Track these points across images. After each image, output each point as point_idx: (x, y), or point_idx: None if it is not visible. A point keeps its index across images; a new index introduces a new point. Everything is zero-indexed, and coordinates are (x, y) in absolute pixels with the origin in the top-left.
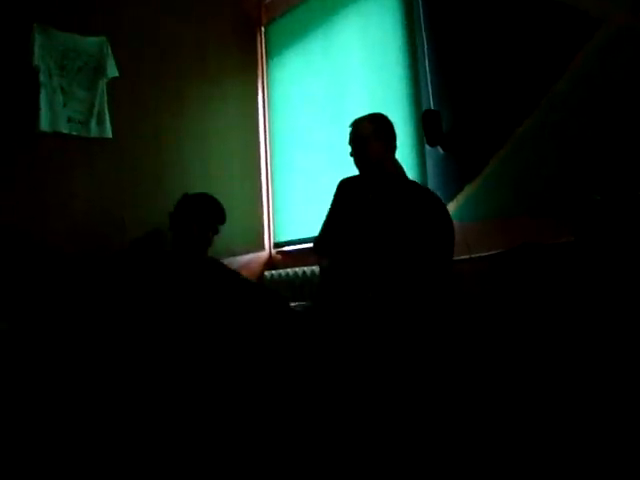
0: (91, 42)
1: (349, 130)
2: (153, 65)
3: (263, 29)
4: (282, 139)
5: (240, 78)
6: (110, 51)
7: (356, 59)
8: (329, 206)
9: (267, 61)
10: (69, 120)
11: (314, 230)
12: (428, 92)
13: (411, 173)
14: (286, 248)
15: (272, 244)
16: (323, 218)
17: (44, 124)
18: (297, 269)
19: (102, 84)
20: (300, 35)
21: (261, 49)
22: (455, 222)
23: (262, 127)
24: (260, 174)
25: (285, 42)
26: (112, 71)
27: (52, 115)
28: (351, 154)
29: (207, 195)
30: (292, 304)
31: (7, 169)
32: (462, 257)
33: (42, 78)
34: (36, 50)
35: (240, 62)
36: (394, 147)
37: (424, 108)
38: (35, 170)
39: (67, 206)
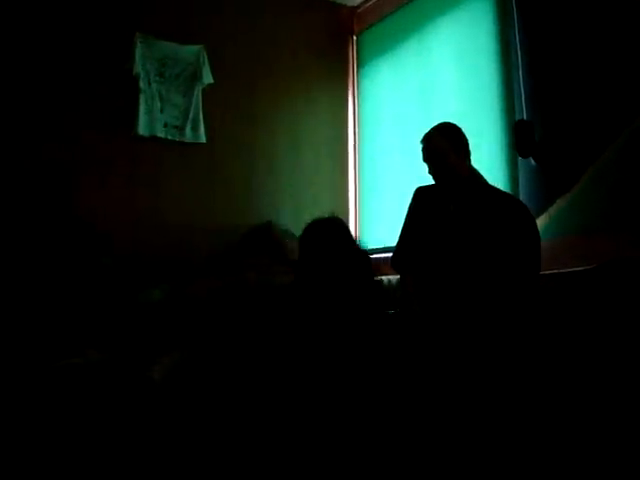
0: (189, 50)
1: (421, 146)
2: (247, 72)
3: (355, 38)
4: (371, 148)
5: (331, 86)
6: (206, 59)
7: (448, 68)
8: (405, 216)
9: (358, 69)
10: (165, 125)
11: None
12: (521, 102)
13: (502, 185)
14: (373, 256)
15: None
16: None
17: (142, 129)
18: (383, 277)
19: (198, 91)
20: (392, 44)
21: (352, 57)
22: (545, 237)
23: (352, 136)
24: (348, 182)
25: (376, 51)
26: (208, 78)
27: (150, 120)
28: (429, 172)
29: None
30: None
31: (106, 171)
32: (550, 272)
33: (141, 85)
34: (137, 58)
35: (332, 70)
36: (468, 153)
37: (517, 118)
38: (132, 173)
39: (160, 208)
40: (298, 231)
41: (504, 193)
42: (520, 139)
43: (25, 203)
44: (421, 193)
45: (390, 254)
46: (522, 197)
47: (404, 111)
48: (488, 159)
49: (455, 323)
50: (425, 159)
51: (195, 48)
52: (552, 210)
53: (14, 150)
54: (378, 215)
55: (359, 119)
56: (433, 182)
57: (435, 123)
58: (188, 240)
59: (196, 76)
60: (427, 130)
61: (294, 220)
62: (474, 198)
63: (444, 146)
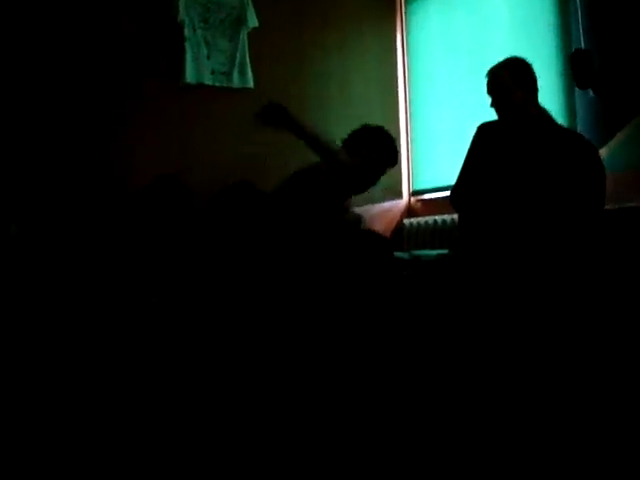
0: None
1: (486, 80)
2: (292, 13)
3: None
4: (422, 84)
5: (379, 22)
6: (250, 1)
7: None
8: (467, 152)
9: (406, 4)
10: (213, 72)
11: (454, 177)
12: (579, 30)
13: (559, 118)
14: (425, 196)
15: (411, 192)
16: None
17: (189, 77)
18: (437, 217)
19: (243, 35)
20: None
21: None
22: (606, 171)
23: (401, 72)
24: (399, 120)
25: None
26: (252, 21)
27: (197, 67)
28: (492, 105)
29: (386, 131)
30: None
31: (156, 121)
32: (612, 207)
33: (187, 32)
34: (181, 5)
35: (379, 6)
36: (536, 90)
37: (574, 47)
38: (181, 121)
39: (212, 155)
40: None
41: (571, 131)
42: (578, 69)
43: (74, 153)
44: (485, 129)
45: (441, 194)
46: (580, 130)
47: (455, 44)
48: (544, 91)
49: (513, 262)
50: (489, 92)
51: None
52: (612, 144)
53: (65, 101)
54: (429, 155)
55: (408, 54)
56: (495, 118)
57: (486, 54)
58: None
59: (241, 20)
60: (491, 64)
61: None
62: (539, 133)
63: (507, 80)
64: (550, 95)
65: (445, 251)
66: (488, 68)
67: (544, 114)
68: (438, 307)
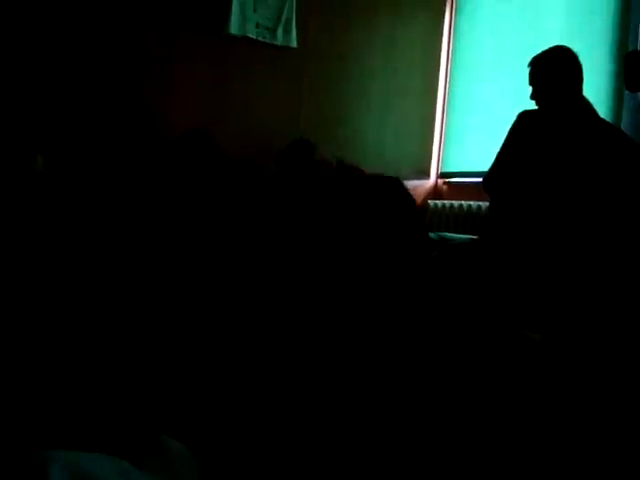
0: None
1: (528, 70)
2: None
3: None
4: (465, 66)
5: (429, 3)
6: None
7: None
8: (505, 139)
9: None
10: (257, 26)
11: (484, 165)
12: (637, 31)
13: (603, 117)
14: (453, 179)
15: (439, 173)
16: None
17: (234, 28)
18: (463, 202)
19: None
20: None
21: None
22: None
23: (445, 50)
24: (437, 100)
25: None
26: None
27: (242, 19)
28: (532, 97)
29: None
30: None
31: (193, 68)
32: None
33: None
34: None
35: None
36: (580, 82)
37: (630, 49)
38: (219, 72)
39: (247, 109)
40: (380, 148)
41: (613, 127)
42: (630, 71)
43: (112, 92)
44: (525, 117)
45: (468, 179)
46: None
47: (504, 33)
48: (591, 87)
49: (542, 255)
50: (530, 82)
51: None
52: None
53: (107, 47)
54: (462, 140)
55: (454, 38)
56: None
57: (534, 44)
58: (267, 144)
59: None
60: (536, 53)
61: (376, 136)
62: (580, 128)
63: (551, 71)
64: (597, 92)
65: (471, 236)
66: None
67: (587, 107)
68: (465, 293)
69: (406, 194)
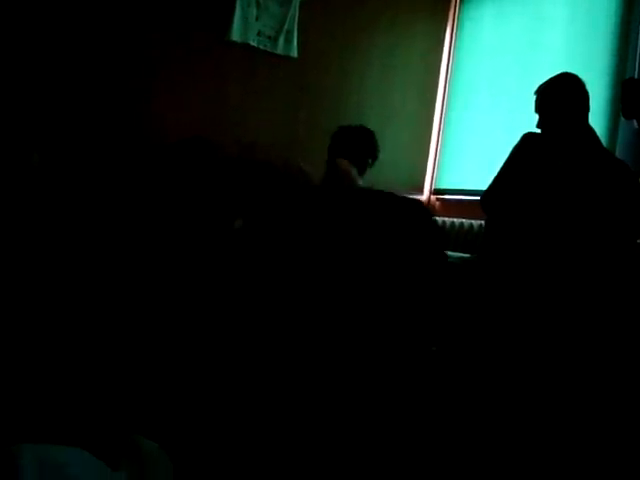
0: None
1: (534, 97)
2: None
3: None
4: (464, 84)
5: (431, 13)
6: None
7: (558, 16)
8: (507, 158)
9: (461, 7)
10: (259, 34)
11: (479, 183)
12: (635, 58)
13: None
14: (446, 196)
15: (432, 189)
16: (494, 171)
17: (235, 34)
18: (455, 219)
19: (295, 2)
20: None
21: None
22: None
23: (445, 67)
24: (433, 115)
25: None
26: None
27: (244, 26)
28: (538, 125)
29: (362, 128)
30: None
31: (193, 72)
32: None
33: None
34: None
35: (433, 3)
36: (587, 111)
37: (627, 76)
38: (219, 77)
39: (245, 117)
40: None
41: (615, 158)
42: (627, 98)
43: (110, 93)
44: (529, 140)
45: (462, 197)
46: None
47: (503, 53)
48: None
49: (537, 278)
50: (537, 110)
51: None
52: None
53: (106, 48)
54: (457, 157)
55: (454, 59)
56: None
57: (534, 67)
58: (263, 154)
59: None
60: (541, 81)
61: None
62: (583, 157)
63: (559, 101)
64: (594, 117)
65: (462, 255)
66: (535, 85)
67: (591, 135)
68: (460, 311)
69: (431, 221)
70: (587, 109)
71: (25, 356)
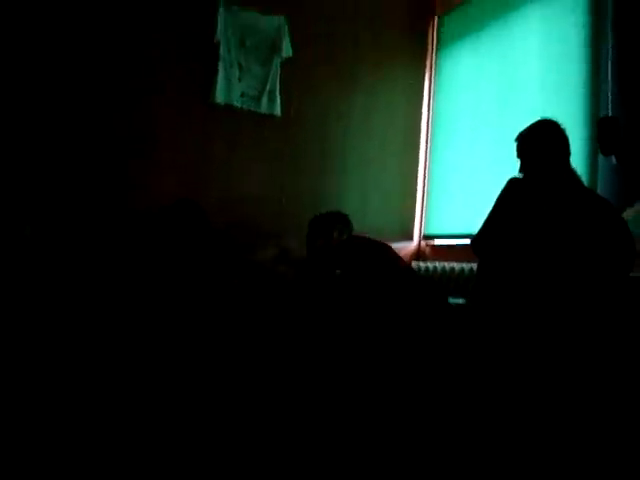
0: (270, 21)
1: (515, 144)
2: (326, 48)
3: (437, 19)
4: (445, 131)
5: (409, 65)
6: (287, 31)
7: (531, 57)
8: (495, 202)
9: (437, 51)
10: (242, 95)
11: (466, 227)
12: (607, 97)
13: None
14: (436, 241)
15: (422, 235)
16: (482, 216)
17: (219, 96)
18: (446, 263)
19: (277, 62)
20: (475, 28)
21: (432, 38)
22: None
23: (425, 117)
24: (418, 164)
25: (458, 34)
26: (287, 50)
27: (227, 88)
28: (520, 170)
29: (334, 213)
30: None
31: (179, 136)
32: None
33: (222, 52)
34: (219, 25)
35: (411, 50)
36: (568, 155)
37: (602, 114)
38: (203, 140)
39: (229, 177)
40: (363, 212)
41: (600, 197)
42: (603, 136)
43: (96, 163)
44: (515, 185)
45: (451, 241)
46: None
47: (481, 98)
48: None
49: (530, 321)
50: (519, 156)
51: (277, 19)
52: (629, 212)
53: (89, 111)
54: (443, 202)
55: (434, 101)
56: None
57: (512, 112)
58: (252, 213)
59: (276, 47)
60: (525, 127)
61: (360, 199)
62: (568, 199)
63: (539, 147)
64: (573, 157)
65: (455, 299)
66: (513, 121)
67: (573, 178)
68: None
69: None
70: (568, 153)
71: None
